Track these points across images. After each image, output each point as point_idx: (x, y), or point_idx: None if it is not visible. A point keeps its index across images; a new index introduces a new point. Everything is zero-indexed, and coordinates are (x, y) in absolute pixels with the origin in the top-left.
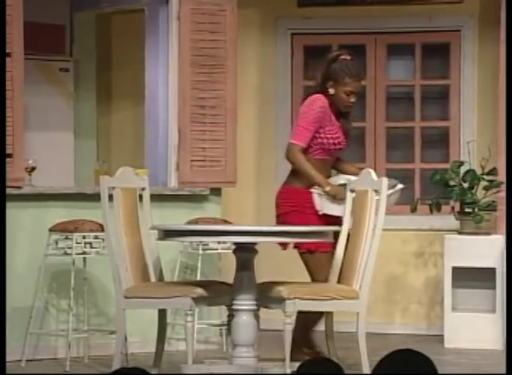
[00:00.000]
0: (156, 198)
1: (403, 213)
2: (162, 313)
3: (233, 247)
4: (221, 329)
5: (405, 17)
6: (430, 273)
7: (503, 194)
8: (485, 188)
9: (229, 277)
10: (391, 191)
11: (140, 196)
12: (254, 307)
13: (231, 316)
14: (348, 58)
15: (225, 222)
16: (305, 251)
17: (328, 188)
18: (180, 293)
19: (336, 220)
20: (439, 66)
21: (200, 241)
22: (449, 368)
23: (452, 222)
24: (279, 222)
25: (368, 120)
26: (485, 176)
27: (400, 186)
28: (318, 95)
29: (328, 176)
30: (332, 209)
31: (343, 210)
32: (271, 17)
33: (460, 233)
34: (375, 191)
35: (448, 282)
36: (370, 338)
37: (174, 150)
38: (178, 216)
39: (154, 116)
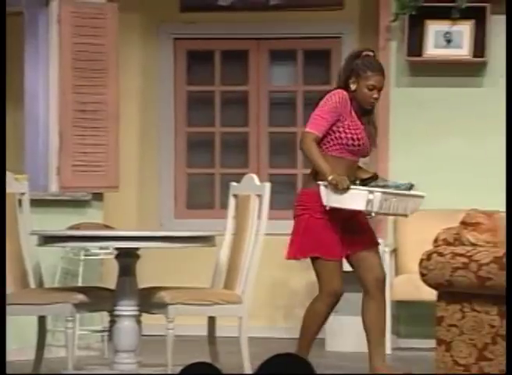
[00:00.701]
0: (36, 203)
1: (286, 218)
2: (42, 320)
3: (115, 252)
4: (102, 335)
5: (287, 23)
6: (313, 276)
7: None
8: None
9: (112, 283)
10: (404, 192)
11: (20, 201)
12: (136, 313)
13: (112, 322)
14: (371, 54)
15: (107, 227)
16: (313, 258)
17: (330, 177)
18: (61, 299)
19: (347, 216)
20: (321, 71)
21: (82, 247)
22: (329, 371)
23: None
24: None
25: (251, 125)
26: None
27: (416, 192)
28: (337, 89)
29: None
30: (336, 201)
31: (349, 202)
32: (153, 22)
33: None
34: (258, 195)
35: None
36: (253, 343)
37: (55, 154)
38: (59, 222)
39: (35, 120)
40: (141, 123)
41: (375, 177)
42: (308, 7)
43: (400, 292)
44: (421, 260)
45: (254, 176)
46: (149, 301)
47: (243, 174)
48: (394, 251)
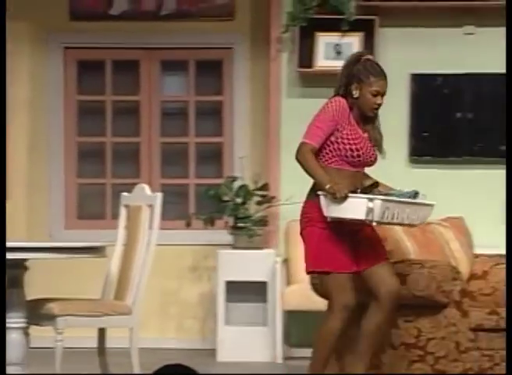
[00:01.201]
0: None
1: (179, 228)
2: None
3: None
4: None
5: (178, 33)
6: (205, 287)
7: (275, 209)
8: (258, 203)
9: None
10: (408, 200)
11: None
12: (24, 325)
13: None
14: (371, 58)
15: None
16: (320, 273)
17: (328, 186)
18: None
19: (352, 226)
20: (213, 82)
21: None
22: None
23: (226, 236)
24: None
25: (143, 135)
26: (257, 192)
27: (422, 200)
28: (336, 97)
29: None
30: (336, 211)
31: (348, 211)
32: (43, 30)
33: (233, 247)
34: (149, 205)
35: (221, 296)
36: (143, 353)
37: None
38: None
39: None
40: (30, 133)
41: (375, 185)
42: (199, 17)
43: (291, 302)
44: None
45: (146, 187)
46: (37, 313)
47: (135, 184)
48: (286, 261)
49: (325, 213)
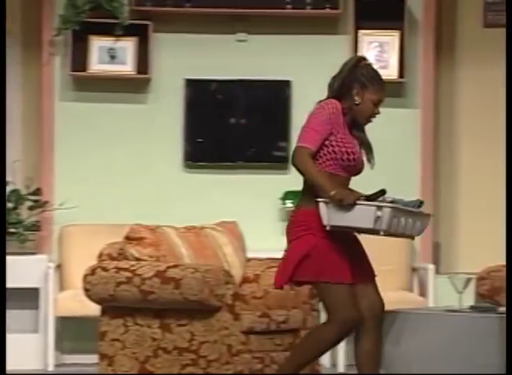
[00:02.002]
0: None
1: None
2: None
3: None
4: None
5: None
6: None
7: (48, 214)
8: (30, 208)
9: None
10: (412, 210)
11: None
12: None
13: None
14: (371, 63)
15: None
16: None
17: (333, 192)
18: None
19: (349, 236)
20: None
21: None
22: None
23: None
24: (288, 249)
25: None
26: (29, 196)
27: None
28: (330, 99)
29: None
30: (340, 219)
31: (355, 220)
32: None
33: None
34: None
35: None
36: None
37: None
38: None
39: None
40: None
41: (382, 193)
42: None
43: (64, 308)
44: (85, 275)
45: None
46: None
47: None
48: (59, 267)
49: (325, 222)
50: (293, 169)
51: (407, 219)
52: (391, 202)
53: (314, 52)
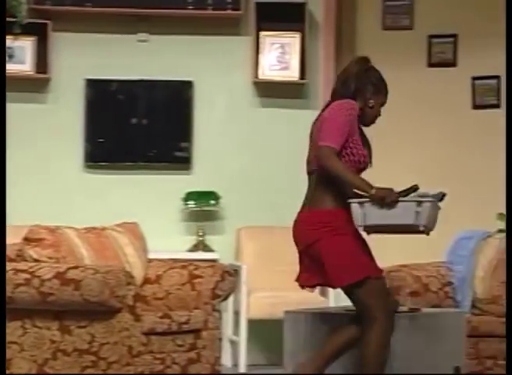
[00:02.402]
0: None
1: None
2: None
3: None
4: None
5: None
6: None
7: None
8: None
9: None
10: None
11: None
12: None
13: None
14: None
15: None
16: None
17: (373, 191)
18: None
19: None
20: None
21: None
22: None
23: None
24: (312, 250)
25: None
26: None
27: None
28: (349, 100)
29: None
30: (378, 218)
31: (395, 217)
32: None
33: None
34: None
35: None
36: None
37: None
38: None
39: None
40: None
41: (414, 189)
42: None
43: None
44: None
45: None
46: None
47: None
48: None
49: (359, 222)
50: (195, 170)
51: (436, 213)
52: (421, 196)
53: (216, 53)
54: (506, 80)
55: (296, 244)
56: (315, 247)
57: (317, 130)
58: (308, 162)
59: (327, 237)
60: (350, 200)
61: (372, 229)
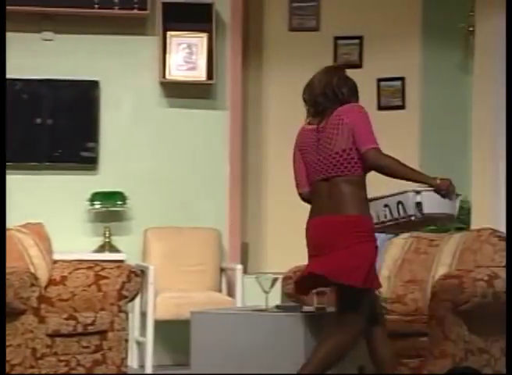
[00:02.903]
0: None
1: None
2: None
3: None
4: None
5: None
6: None
7: None
8: None
9: None
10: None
11: None
12: None
13: None
14: None
15: None
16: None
17: (438, 181)
18: None
19: None
20: None
21: None
22: None
23: None
24: (354, 250)
25: None
26: None
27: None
28: (352, 103)
29: None
30: (435, 207)
31: (449, 207)
32: None
33: None
34: None
35: None
36: None
37: None
38: None
39: None
40: None
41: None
42: None
43: None
44: None
45: None
46: None
47: None
48: None
49: (412, 211)
50: (101, 170)
51: None
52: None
53: (122, 53)
54: (506, 79)
55: (318, 245)
56: (343, 250)
57: (334, 137)
58: (318, 171)
59: (360, 242)
60: (410, 189)
61: (423, 219)
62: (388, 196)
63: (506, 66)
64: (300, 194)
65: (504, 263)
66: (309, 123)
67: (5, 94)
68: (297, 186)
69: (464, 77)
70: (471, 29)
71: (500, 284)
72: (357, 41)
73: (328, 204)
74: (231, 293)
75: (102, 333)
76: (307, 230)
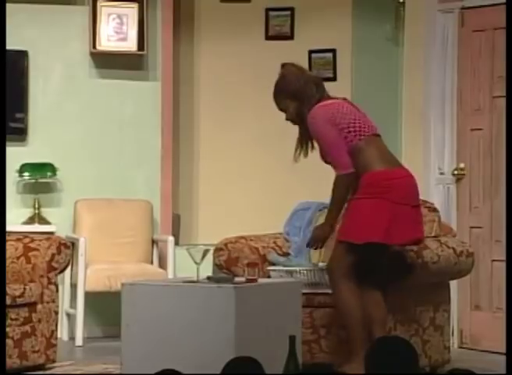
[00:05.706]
0: None
1: None
2: None
3: None
4: None
5: None
6: None
7: None
8: None
9: None
10: None
11: None
12: None
13: None
14: None
15: None
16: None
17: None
18: None
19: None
20: None
21: None
22: None
23: None
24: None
25: None
26: None
27: None
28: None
29: None
30: None
31: None
32: None
33: None
34: None
35: None
36: None
37: None
38: None
39: None
40: None
41: None
42: None
43: None
44: None
45: None
46: None
47: None
48: None
49: None
50: (30, 141)
51: None
52: None
53: (51, 23)
54: (506, 79)
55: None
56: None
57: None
58: (371, 126)
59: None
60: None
61: None
62: None
63: (506, 66)
64: (349, 175)
65: (433, 234)
66: (328, 98)
67: (5, 94)
68: (346, 166)
69: (394, 49)
70: (401, 0)
71: (428, 255)
72: (288, 12)
73: (393, 157)
74: (163, 265)
75: (31, 305)
76: (396, 179)
